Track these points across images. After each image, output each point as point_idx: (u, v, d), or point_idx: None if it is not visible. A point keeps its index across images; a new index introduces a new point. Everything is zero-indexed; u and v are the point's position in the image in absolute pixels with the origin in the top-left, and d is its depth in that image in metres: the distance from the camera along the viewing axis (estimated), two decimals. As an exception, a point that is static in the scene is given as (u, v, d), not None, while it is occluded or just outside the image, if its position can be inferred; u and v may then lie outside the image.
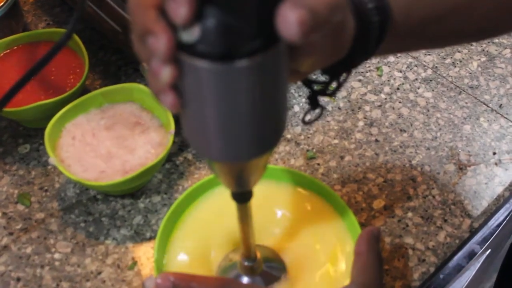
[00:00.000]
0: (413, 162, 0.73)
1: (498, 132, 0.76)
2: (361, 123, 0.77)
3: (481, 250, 0.87)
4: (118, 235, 0.66)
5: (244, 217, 0.49)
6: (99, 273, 0.63)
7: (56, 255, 0.64)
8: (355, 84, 0.82)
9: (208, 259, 0.61)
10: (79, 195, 0.69)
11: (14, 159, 0.73)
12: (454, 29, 0.49)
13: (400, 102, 0.80)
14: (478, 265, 0.91)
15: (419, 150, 0.74)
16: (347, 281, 0.54)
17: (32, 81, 0.72)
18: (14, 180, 0.71)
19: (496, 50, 0.87)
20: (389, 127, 0.77)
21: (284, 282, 0.59)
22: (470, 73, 0.84)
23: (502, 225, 0.87)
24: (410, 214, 0.68)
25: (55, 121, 0.67)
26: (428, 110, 0.79)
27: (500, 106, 0.79)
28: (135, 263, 0.64)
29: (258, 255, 0.57)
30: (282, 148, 0.74)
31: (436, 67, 0.84)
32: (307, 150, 0.74)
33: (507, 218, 0.85)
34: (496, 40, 0.88)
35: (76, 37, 0.75)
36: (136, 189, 0.69)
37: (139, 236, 0.66)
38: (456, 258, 0.69)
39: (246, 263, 0.56)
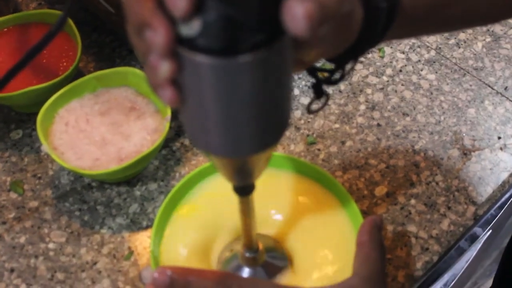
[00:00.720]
0: (416, 147, 0.71)
1: (503, 115, 0.74)
2: (362, 107, 0.75)
3: (483, 233, 0.86)
4: (114, 224, 0.64)
5: (246, 210, 0.48)
6: (95, 263, 0.61)
7: (51, 245, 0.63)
8: (357, 66, 0.80)
9: (207, 249, 0.60)
10: (73, 182, 0.68)
11: (6, 145, 0.71)
12: (462, 13, 0.47)
13: (402, 85, 0.78)
14: (479, 246, 0.90)
15: (422, 134, 0.72)
16: (349, 269, 0.53)
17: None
18: (7, 167, 0.69)
19: (501, 30, 0.85)
20: (392, 111, 0.75)
21: (286, 272, 0.58)
22: (475, 54, 0.82)
23: (504, 208, 0.85)
24: (413, 201, 0.66)
25: (48, 107, 0.65)
26: (432, 93, 0.77)
27: (506, 88, 0.77)
28: (131, 253, 0.62)
29: (260, 245, 0.55)
30: (281, 133, 0.72)
31: (440, 48, 0.82)
32: (307, 135, 0.72)
33: (510, 201, 0.84)
34: (501, 20, 0.86)
35: (68, 19, 0.72)
36: (132, 177, 0.67)
37: (135, 225, 0.64)
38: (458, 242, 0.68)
39: (247, 254, 0.55)
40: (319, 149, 0.71)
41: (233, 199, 0.47)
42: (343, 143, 0.71)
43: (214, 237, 0.60)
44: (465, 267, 0.96)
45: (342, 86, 0.77)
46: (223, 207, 0.61)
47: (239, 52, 0.29)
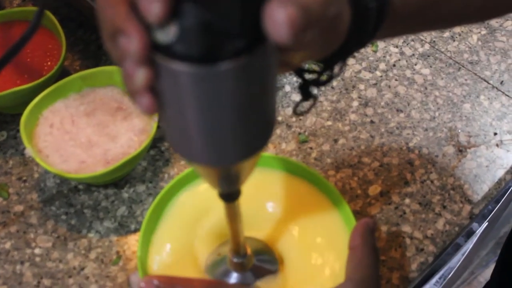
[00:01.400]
0: (411, 144, 0.70)
1: (499, 110, 0.73)
2: (355, 103, 0.74)
3: (479, 228, 0.85)
4: (102, 228, 0.63)
5: (233, 215, 0.46)
6: (82, 268, 0.60)
7: (37, 250, 0.61)
8: (349, 61, 0.78)
9: (196, 252, 0.58)
10: (60, 185, 0.66)
11: (-9, 147, 0.69)
12: (454, 11, 0.45)
13: (396, 80, 0.76)
14: (475, 239, 0.89)
15: (417, 131, 0.71)
16: (341, 273, 0.52)
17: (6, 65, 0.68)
18: (-9, 170, 0.67)
19: (497, 22, 0.83)
20: (385, 107, 0.73)
21: (276, 276, 0.56)
22: (470, 48, 0.80)
23: (501, 202, 0.84)
24: (407, 201, 0.65)
25: (32, 108, 0.63)
26: (426, 88, 0.75)
27: (501, 82, 0.76)
28: (119, 257, 0.61)
29: (248, 250, 0.54)
30: (273, 131, 0.70)
31: (434, 41, 0.80)
32: (299, 133, 0.70)
33: (506, 194, 0.83)
34: (496, 12, 0.84)
35: (51, 16, 0.70)
36: (119, 178, 0.66)
37: (123, 229, 0.63)
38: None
39: (235, 260, 0.53)
40: (311, 148, 0.69)
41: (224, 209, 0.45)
42: (335, 141, 0.70)
43: (202, 240, 0.59)
44: (461, 260, 0.95)
45: (334, 82, 0.76)
46: (212, 210, 0.59)
47: (219, 59, 0.28)
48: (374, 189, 0.65)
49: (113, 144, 0.63)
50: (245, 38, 0.28)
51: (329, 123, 0.71)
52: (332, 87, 0.75)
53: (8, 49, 0.57)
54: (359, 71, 0.77)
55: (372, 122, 0.72)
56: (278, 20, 0.26)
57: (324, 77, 0.43)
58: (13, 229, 0.63)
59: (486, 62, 0.78)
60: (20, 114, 0.63)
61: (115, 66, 0.67)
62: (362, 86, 0.75)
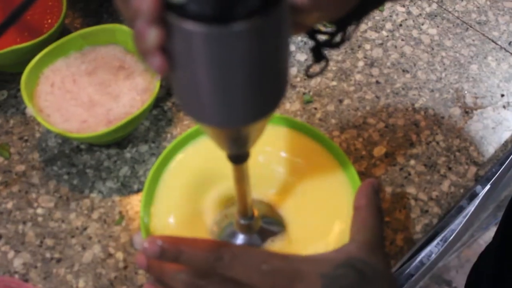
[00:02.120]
0: (416, 105, 0.69)
1: (507, 72, 0.72)
2: (361, 63, 0.72)
3: (482, 190, 0.84)
4: (104, 188, 0.62)
5: (241, 177, 0.46)
6: (85, 228, 0.60)
7: (39, 210, 0.61)
8: (355, 21, 0.76)
9: (200, 212, 0.58)
10: (61, 145, 0.65)
11: (-9, 107, 0.68)
12: None
13: (402, 40, 0.75)
14: (477, 201, 0.89)
15: (423, 92, 0.70)
16: (346, 233, 0.51)
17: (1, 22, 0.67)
18: (-8, 129, 0.67)
19: (506, -19, 0.81)
20: (391, 68, 0.72)
21: (282, 238, 0.56)
22: (478, 8, 0.78)
23: (505, 164, 0.84)
24: (412, 162, 0.64)
25: (32, 67, 0.62)
26: (433, 49, 0.74)
27: (510, 43, 0.74)
28: (122, 217, 0.60)
29: (256, 212, 0.53)
30: (277, 91, 0.69)
31: (442, 1, 0.79)
32: (304, 93, 0.69)
33: (510, 157, 0.82)
34: (506, -30, 0.82)
35: (52, -28, 0.69)
36: (122, 138, 0.65)
37: (126, 189, 0.62)
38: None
39: (242, 221, 0.53)
40: (315, 108, 0.68)
41: (227, 161, 0.45)
42: (340, 101, 0.69)
43: (206, 200, 0.58)
44: (463, 222, 0.95)
45: (339, 41, 0.74)
46: (216, 168, 0.59)
47: (233, 19, 0.27)
48: (379, 150, 0.65)
49: (115, 104, 0.62)
50: None
51: (334, 83, 0.70)
52: (337, 47, 0.73)
53: (12, 10, 0.56)
54: (365, 31, 0.75)
55: (377, 82, 0.70)
56: None
57: (337, 39, 0.42)
58: (15, 189, 0.62)
59: (495, 23, 0.77)
60: (21, 73, 0.62)
61: (117, 24, 0.66)
62: (368, 46, 0.74)
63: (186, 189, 0.59)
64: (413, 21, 0.77)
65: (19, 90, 0.69)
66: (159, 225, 0.56)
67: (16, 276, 0.57)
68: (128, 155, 0.64)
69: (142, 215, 0.54)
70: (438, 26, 0.76)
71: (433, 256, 0.97)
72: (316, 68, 0.45)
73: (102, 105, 0.62)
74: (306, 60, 0.72)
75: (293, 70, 0.71)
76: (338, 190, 0.58)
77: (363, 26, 0.76)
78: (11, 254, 0.58)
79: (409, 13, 0.78)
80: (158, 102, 0.68)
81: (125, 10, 0.30)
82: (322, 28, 0.42)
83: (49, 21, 0.68)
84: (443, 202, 0.62)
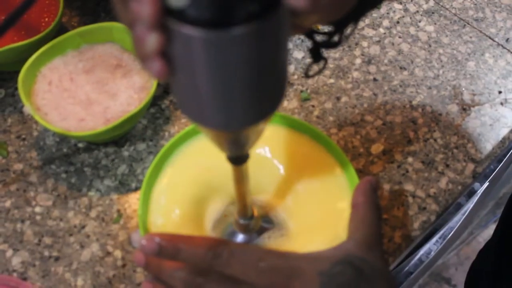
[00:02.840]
0: (414, 102, 0.69)
1: (504, 69, 0.72)
2: (358, 61, 0.72)
3: (480, 188, 0.84)
4: (102, 186, 0.62)
5: (240, 177, 0.46)
6: (83, 227, 0.60)
7: (37, 209, 0.61)
8: (352, 18, 0.77)
9: (198, 210, 0.58)
10: (59, 143, 0.65)
11: (-11, 105, 0.68)
12: None
13: (400, 37, 0.75)
14: (476, 198, 0.89)
15: (420, 89, 0.70)
16: (344, 231, 0.51)
17: (2, 22, 0.67)
18: (-10, 128, 0.67)
19: (503, -22, 0.81)
20: (388, 65, 0.72)
21: (281, 236, 0.56)
22: (475, 4, 0.78)
23: (503, 161, 0.84)
24: (410, 159, 0.64)
25: (29, 65, 0.62)
26: (430, 46, 0.74)
27: (507, 40, 0.74)
28: (120, 215, 0.60)
29: (255, 212, 0.53)
30: (274, 89, 0.69)
31: (439, -2, 0.79)
32: (301, 91, 0.69)
33: (509, 154, 0.82)
34: (503, -33, 0.83)
35: (49, -29, 0.69)
36: (119, 137, 0.65)
37: (124, 187, 0.62)
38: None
39: (242, 221, 0.53)
40: (313, 106, 0.68)
41: (225, 158, 0.45)
42: (338, 99, 0.69)
43: (205, 198, 0.58)
44: (462, 219, 0.95)
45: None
46: (214, 167, 0.59)
47: (232, 24, 0.27)
48: (376, 148, 0.65)
49: (113, 102, 0.62)
50: (258, 3, 0.27)
51: (332, 80, 0.70)
52: (335, 45, 0.73)
53: (10, 12, 0.56)
54: (362, 28, 0.75)
55: (375, 80, 0.70)
56: None
57: (335, 39, 0.42)
58: (13, 187, 0.62)
59: (492, 19, 0.77)
60: (18, 72, 0.62)
61: (114, 22, 0.66)
62: (365, 43, 0.74)
63: (185, 187, 0.59)
64: (410, 18, 0.77)
65: (16, 88, 0.69)
66: (157, 223, 0.56)
67: (15, 274, 0.57)
68: (126, 153, 0.64)
69: (140, 213, 0.54)
70: (435, 23, 0.76)
71: (432, 253, 0.97)
72: (315, 67, 0.45)
73: (100, 104, 0.62)
74: (303, 58, 0.72)
75: (290, 68, 0.71)
76: (336, 187, 0.58)
77: (360, 24, 0.76)
78: (9, 252, 0.58)
79: (406, 10, 0.78)
80: (155, 101, 0.68)
81: (124, 14, 0.30)
82: (320, 28, 0.42)
83: (46, 19, 0.68)
84: (441, 199, 0.62)
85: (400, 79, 0.71)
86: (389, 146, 0.65)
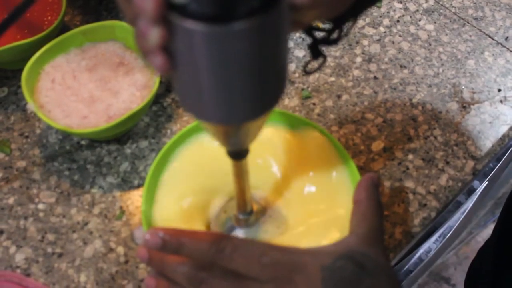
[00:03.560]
0: (414, 100, 0.69)
1: (503, 67, 0.72)
2: (359, 59, 0.73)
3: (480, 186, 0.85)
4: (105, 183, 0.63)
5: (240, 173, 0.47)
6: (86, 223, 0.60)
7: (40, 206, 0.61)
8: (353, 17, 0.77)
9: (200, 207, 0.58)
10: (62, 141, 0.66)
11: (-8, 103, 0.69)
12: None
13: (400, 36, 0.75)
14: (475, 197, 0.89)
15: (420, 87, 0.70)
16: (346, 227, 0.52)
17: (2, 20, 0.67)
18: (-7, 126, 0.67)
19: (502, -23, 0.82)
20: (389, 63, 0.73)
21: (280, 230, 0.56)
22: (475, 3, 0.79)
23: (502, 160, 0.84)
24: (410, 157, 0.65)
25: (33, 63, 0.63)
26: (430, 44, 0.74)
27: (506, 39, 0.75)
28: (123, 212, 0.61)
29: (254, 207, 0.54)
30: (275, 87, 0.70)
31: (439, -3, 0.79)
32: (302, 89, 0.70)
33: (508, 153, 0.83)
34: (502, -33, 0.83)
35: (51, -30, 0.69)
36: (122, 134, 0.65)
37: (126, 184, 0.63)
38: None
39: (241, 216, 0.53)
40: (314, 104, 0.69)
41: (225, 155, 0.45)
42: (339, 97, 0.69)
43: (207, 195, 0.59)
44: (461, 219, 0.96)
45: (337, 38, 0.75)
46: (216, 164, 0.59)
47: (234, 18, 0.28)
48: (377, 145, 0.65)
49: (115, 100, 0.62)
50: None
51: (332, 79, 0.71)
52: (336, 43, 0.74)
53: (12, 10, 0.56)
54: (363, 27, 0.76)
55: (375, 78, 0.71)
56: None
57: (334, 36, 0.42)
58: (16, 184, 0.63)
59: (491, 18, 0.77)
60: (21, 70, 0.62)
61: (116, 20, 0.66)
62: (365, 42, 0.74)
63: (186, 183, 0.59)
64: (410, 17, 0.77)
65: (19, 87, 0.69)
66: (159, 218, 0.56)
67: (18, 271, 0.57)
68: (128, 150, 0.65)
69: (144, 209, 0.55)
70: (435, 22, 0.77)
71: (432, 252, 0.97)
72: (314, 64, 0.46)
73: (103, 101, 0.62)
74: (304, 56, 0.73)
75: (291, 66, 0.72)
76: (337, 184, 0.58)
77: (360, 22, 0.76)
78: (12, 249, 0.58)
79: (406, 9, 0.78)
80: (157, 98, 0.69)
81: (127, 9, 0.30)
82: (320, 25, 0.43)
83: (49, 18, 0.69)
84: (441, 196, 0.62)
85: (400, 77, 0.71)
86: (389, 143, 0.65)
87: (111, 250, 0.58)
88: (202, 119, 0.35)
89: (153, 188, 0.58)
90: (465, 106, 0.69)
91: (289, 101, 0.69)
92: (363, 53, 0.73)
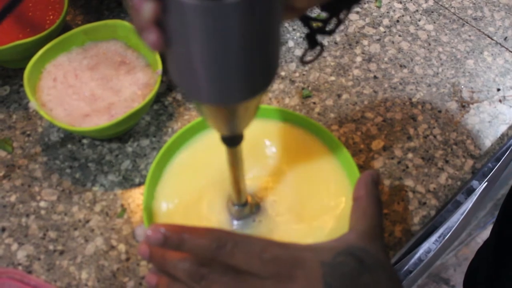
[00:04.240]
0: (414, 99, 0.69)
1: (502, 67, 0.73)
2: (359, 59, 0.73)
3: (479, 186, 0.85)
4: (106, 181, 0.63)
5: (234, 161, 0.47)
6: (87, 221, 0.60)
7: (42, 203, 0.62)
8: (353, 17, 0.78)
9: (200, 205, 0.59)
10: (64, 139, 0.66)
11: (-6, 102, 0.69)
12: None
13: (400, 36, 0.76)
14: (475, 198, 0.90)
15: (420, 87, 0.71)
16: (346, 226, 0.52)
17: (8, 19, 0.68)
18: (-5, 124, 0.67)
19: (501, -22, 0.82)
20: (389, 63, 0.73)
21: (280, 227, 0.57)
22: (474, 4, 0.79)
23: (501, 160, 0.85)
24: (410, 155, 0.65)
25: (34, 62, 0.63)
26: (430, 44, 0.75)
27: (505, 39, 0.75)
28: (124, 210, 0.61)
29: (249, 198, 0.54)
30: (276, 86, 0.70)
31: (438, -3, 0.80)
32: (303, 88, 0.70)
33: (507, 153, 0.83)
34: (501, -33, 0.84)
35: (53, -30, 0.70)
36: (123, 133, 0.66)
37: (127, 182, 0.63)
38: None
39: (236, 207, 0.54)
40: (314, 103, 0.69)
41: (225, 154, 0.46)
42: (339, 96, 0.70)
43: (206, 192, 0.59)
44: (460, 219, 0.96)
45: (337, 37, 0.75)
46: (215, 162, 0.59)
47: None
48: (377, 144, 0.66)
49: (117, 98, 0.63)
50: None
51: (333, 78, 0.71)
52: (336, 43, 0.74)
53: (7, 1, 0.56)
54: (363, 27, 0.76)
55: (375, 77, 0.71)
56: None
57: (330, 26, 0.43)
58: (17, 182, 0.63)
59: (490, 18, 0.78)
60: (23, 69, 0.63)
61: (117, 20, 0.67)
62: (365, 42, 0.75)
63: (186, 181, 0.59)
64: (410, 17, 0.78)
65: (21, 85, 0.70)
66: (160, 215, 0.57)
67: (20, 268, 0.57)
68: (129, 149, 0.65)
69: (145, 206, 0.55)
70: (434, 22, 0.77)
71: (432, 252, 0.98)
72: (314, 65, 0.46)
73: (104, 99, 0.63)
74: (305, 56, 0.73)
75: (291, 66, 0.72)
76: (337, 181, 0.59)
77: (360, 22, 0.77)
78: (14, 246, 0.59)
79: (406, 9, 0.79)
80: (158, 97, 0.69)
81: None
82: (316, 15, 0.43)
83: (51, 17, 0.69)
84: (441, 194, 0.62)
85: (400, 76, 0.71)
86: (389, 142, 0.66)
87: (112, 247, 0.59)
88: (197, 99, 0.36)
89: (154, 186, 0.58)
90: (464, 106, 0.69)
91: (290, 100, 0.69)
92: (363, 53, 0.74)
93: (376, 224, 0.50)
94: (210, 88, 0.34)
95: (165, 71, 0.63)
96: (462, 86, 0.71)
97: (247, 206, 0.54)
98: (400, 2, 0.79)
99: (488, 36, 0.76)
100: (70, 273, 0.57)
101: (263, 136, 0.62)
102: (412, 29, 0.76)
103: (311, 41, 0.44)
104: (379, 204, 0.51)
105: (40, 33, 0.65)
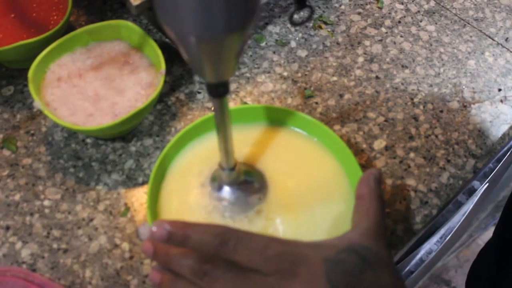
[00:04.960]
0: (415, 100, 0.70)
1: (503, 67, 0.73)
2: (361, 59, 0.74)
3: (480, 187, 0.85)
4: (110, 180, 0.63)
5: (221, 117, 0.48)
6: (91, 220, 0.61)
7: (46, 202, 0.62)
8: (355, 17, 0.78)
9: (201, 203, 0.59)
10: (67, 139, 0.66)
11: (-2, 102, 0.70)
12: None
13: (401, 36, 0.76)
14: (476, 199, 0.90)
15: (422, 87, 0.71)
16: (348, 222, 0.53)
17: (12, 19, 0.68)
18: (-1, 124, 0.68)
19: (502, -21, 0.82)
20: (390, 63, 0.73)
21: (286, 225, 0.57)
22: (475, 5, 0.80)
23: (502, 161, 0.85)
24: (412, 155, 0.65)
25: (39, 62, 0.63)
26: (431, 45, 0.75)
27: (506, 39, 0.76)
28: (127, 209, 0.61)
29: (238, 166, 0.56)
30: (278, 86, 0.70)
31: (440, -2, 0.80)
32: (305, 88, 0.71)
33: (508, 153, 0.83)
34: (502, -31, 0.84)
35: (57, -29, 0.70)
36: (126, 132, 0.66)
37: (131, 181, 0.63)
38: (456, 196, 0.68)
39: (225, 172, 0.55)
40: (316, 103, 0.69)
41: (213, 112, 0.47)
42: (341, 96, 0.70)
43: (210, 191, 0.59)
44: (461, 220, 0.96)
45: (340, 38, 0.76)
46: (215, 161, 0.60)
47: None
48: (379, 144, 0.66)
49: (121, 98, 0.63)
50: None
51: (335, 78, 0.71)
52: (338, 43, 0.75)
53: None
54: (365, 27, 0.77)
55: (377, 77, 0.72)
56: None
57: None
58: (22, 181, 0.63)
59: (491, 19, 0.78)
60: (27, 69, 0.63)
61: (121, 20, 0.67)
62: (367, 42, 0.75)
63: (189, 180, 0.60)
64: (412, 18, 0.78)
65: (25, 85, 0.70)
66: (164, 214, 0.57)
67: (24, 266, 0.58)
68: (133, 148, 0.66)
69: (149, 204, 0.56)
70: (436, 23, 0.77)
71: (433, 253, 0.98)
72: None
73: (108, 99, 0.63)
74: (307, 56, 0.74)
75: (294, 66, 0.73)
76: (340, 180, 0.59)
77: (362, 23, 0.77)
78: (18, 245, 0.59)
79: (407, 10, 0.79)
80: (162, 97, 0.69)
81: None
82: None
83: (55, 17, 0.70)
84: (442, 194, 0.63)
85: (402, 77, 0.72)
86: (391, 142, 0.66)
87: (116, 246, 0.59)
88: (181, 33, 0.37)
89: (158, 185, 0.59)
90: (465, 106, 0.69)
91: (292, 100, 0.69)
92: (365, 53, 0.74)
93: (379, 222, 0.50)
94: (194, 20, 0.35)
95: (168, 71, 0.64)
96: (464, 86, 0.71)
97: (235, 170, 0.56)
98: (402, 3, 0.80)
99: (489, 37, 0.76)
100: (74, 271, 0.57)
101: (263, 136, 0.62)
102: (413, 29, 0.77)
103: (300, 2, 0.44)
104: (381, 202, 0.52)
105: (44, 33, 0.66)
